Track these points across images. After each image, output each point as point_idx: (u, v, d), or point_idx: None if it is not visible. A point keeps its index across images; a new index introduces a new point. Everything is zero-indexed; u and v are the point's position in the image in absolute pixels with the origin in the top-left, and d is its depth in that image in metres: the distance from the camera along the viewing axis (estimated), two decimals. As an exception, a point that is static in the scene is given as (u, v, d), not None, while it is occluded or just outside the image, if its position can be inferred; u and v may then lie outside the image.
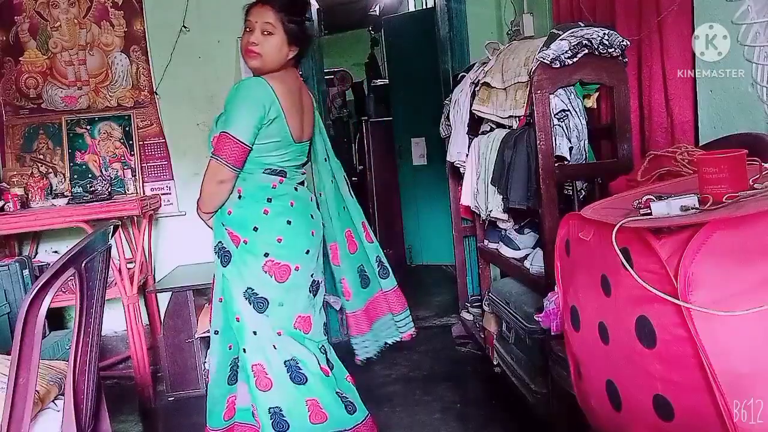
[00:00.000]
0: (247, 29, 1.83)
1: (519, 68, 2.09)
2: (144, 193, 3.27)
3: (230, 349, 1.97)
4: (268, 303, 1.86)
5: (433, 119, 3.58)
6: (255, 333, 1.86)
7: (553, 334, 1.64)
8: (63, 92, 3.29)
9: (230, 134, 1.76)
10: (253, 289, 1.86)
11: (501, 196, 2.24)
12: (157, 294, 3.15)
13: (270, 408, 1.85)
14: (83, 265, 1.26)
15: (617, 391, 1.10)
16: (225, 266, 1.89)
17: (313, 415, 1.87)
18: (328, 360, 1.97)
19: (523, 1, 3.24)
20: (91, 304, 1.36)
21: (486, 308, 2.79)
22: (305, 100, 1.96)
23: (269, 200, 1.87)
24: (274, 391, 1.86)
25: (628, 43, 1.99)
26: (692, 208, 0.99)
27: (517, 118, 2.16)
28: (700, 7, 1.84)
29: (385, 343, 2.19)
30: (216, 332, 1.98)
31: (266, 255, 1.86)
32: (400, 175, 5.14)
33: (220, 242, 1.91)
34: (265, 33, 1.80)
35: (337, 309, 2.24)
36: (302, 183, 2.01)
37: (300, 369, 1.88)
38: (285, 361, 1.87)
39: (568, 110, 2.07)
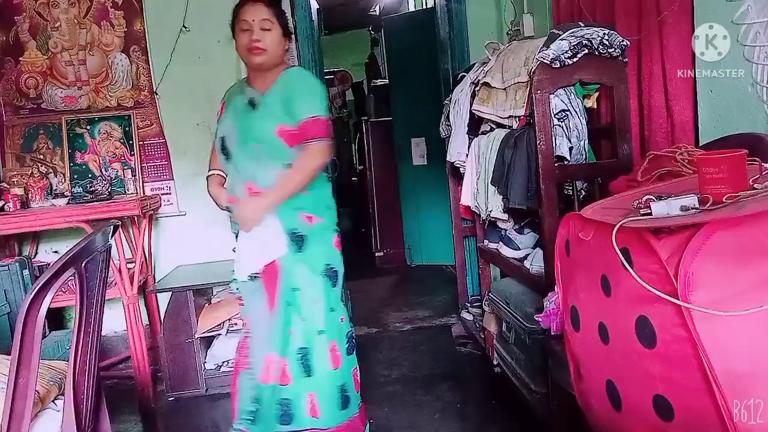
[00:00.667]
0: (243, 29, 1.86)
1: (519, 68, 2.09)
2: (144, 193, 3.27)
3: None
4: (338, 275, 1.96)
5: (433, 119, 3.58)
6: (332, 310, 1.93)
7: (553, 334, 1.65)
8: (63, 92, 3.29)
9: (322, 117, 1.85)
10: (329, 265, 1.94)
11: (501, 196, 2.24)
12: (157, 294, 3.15)
13: (339, 386, 1.92)
14: (83, 265, 1.26)
15: (617, 391, 1.10)
16: (301, 250, 1.89)
17: (357, 383, 2.00)
18: None
19: (523, 1, 3.24)
20: (91, 304, 1.36)
21: (486, 308, 2.79)
22: None
23: (329, 179, 2.04)
24: (342, 367, 1.93)
25: (628, 43, 1.99)
26: (692, 208, 0.99)
27: (517, 118, 2.16)
28: (700, 7, 1.84)
29: None
30: (320, 332, 1.94)
31: (336, 230, 2.00)
32: (400, 175, 5.14)
33: (293, 230, 1.89)
34: (264, 29, 1.85)
35: None
36: None
37: (353, 339, 2.00)
38: (347, 332, 1.98)
39: (568, 110, 2.07)
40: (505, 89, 2.23)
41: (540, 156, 1.95)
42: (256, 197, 1.86)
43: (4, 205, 2.86)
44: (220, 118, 2.04)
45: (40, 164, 3.23)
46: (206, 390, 2.83)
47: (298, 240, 1.89)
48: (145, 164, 3.33)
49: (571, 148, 2.08)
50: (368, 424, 2.08)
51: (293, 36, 1.96)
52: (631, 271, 0.98)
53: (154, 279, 3.26)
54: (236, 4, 1.90)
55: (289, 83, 1.87)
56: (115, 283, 2.74)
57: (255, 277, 1.91)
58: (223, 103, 2.05)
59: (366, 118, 5.60)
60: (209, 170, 2.07)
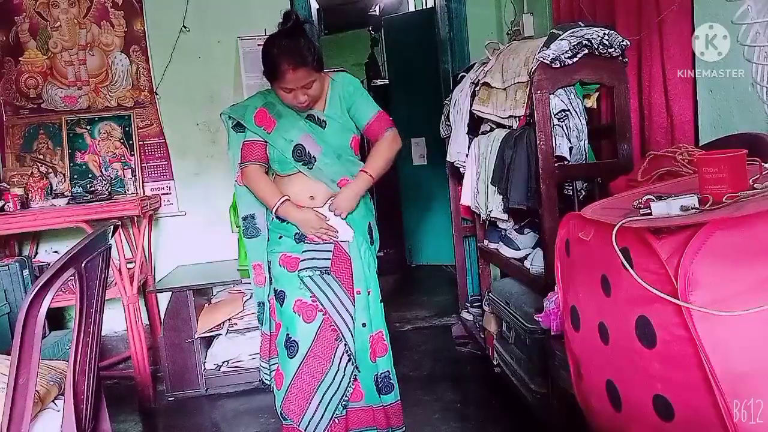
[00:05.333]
0: (286, 89, 1.85)
1: (519, 68, 2.09)
2: (144, 193, 3.27)
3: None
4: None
5: (433, 119, 3.58)
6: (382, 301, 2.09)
7: (553, 334, 1.65)
8: (63, 92, 3.29)
9: (381, 110, 2.06)
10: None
11: (501, 196, 2.24)
12: (157, 294, 3.15)
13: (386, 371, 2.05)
14: (83, 265, 1.26)
15: (617, 391, 1.10)
16: (372, 245, 2.07)
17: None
18: None
19: (523, 1, 3.24)
20: (91, 304, 1.36)
21: (486, 308, 2.78)
22: None
23: None
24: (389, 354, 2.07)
25: (628, 43, 1.98)
26: (692, 208, 0.99)
27: (517, 118, 2.16)
28: (700, 7, 1.84)
29: None
30: (363, 324, 2.00)
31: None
32: (400, 175, 5.14)
33: (369, 223, 2.06)
34: (307, 87, 1.86)
35: None
36: None
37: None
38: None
39: (568, 110, 2.07)
40: (505, 89, 2.23)
41: (540, 156, 1.95)
42: (346, 186, 1.97)
43: (4, 205, 2.86)
44: (269, 127, 1.97)
45: (40, 164, 3.23)
46: (206, 390, 2.83)
47: (370, 233, 2.06)
48: (145, 164, 3.33)
49: (571, 148, 2.08)
50: None
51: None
52: (631, 271, 0.98)
53: (154, 279, 3.26)
54: (273, 62, 1.81)
55: (345, 95, 1.99)
56: (115, 283, 2.74)
57: (326, 271, 1.95)
58: (264, 111, 1.97)
59: (366, 118, 5.59)
60: (281, 198, 1.95)
